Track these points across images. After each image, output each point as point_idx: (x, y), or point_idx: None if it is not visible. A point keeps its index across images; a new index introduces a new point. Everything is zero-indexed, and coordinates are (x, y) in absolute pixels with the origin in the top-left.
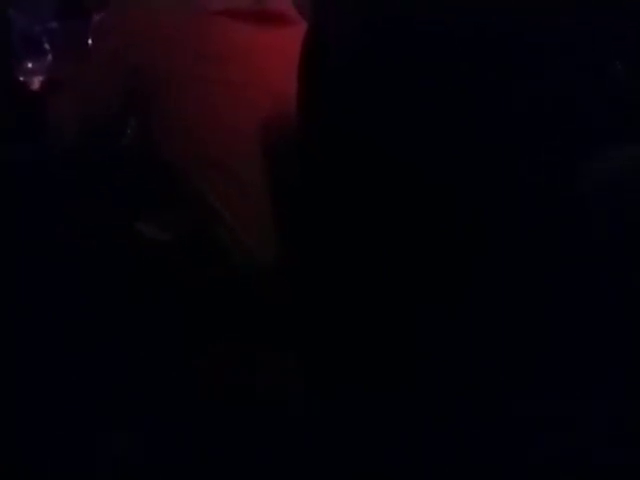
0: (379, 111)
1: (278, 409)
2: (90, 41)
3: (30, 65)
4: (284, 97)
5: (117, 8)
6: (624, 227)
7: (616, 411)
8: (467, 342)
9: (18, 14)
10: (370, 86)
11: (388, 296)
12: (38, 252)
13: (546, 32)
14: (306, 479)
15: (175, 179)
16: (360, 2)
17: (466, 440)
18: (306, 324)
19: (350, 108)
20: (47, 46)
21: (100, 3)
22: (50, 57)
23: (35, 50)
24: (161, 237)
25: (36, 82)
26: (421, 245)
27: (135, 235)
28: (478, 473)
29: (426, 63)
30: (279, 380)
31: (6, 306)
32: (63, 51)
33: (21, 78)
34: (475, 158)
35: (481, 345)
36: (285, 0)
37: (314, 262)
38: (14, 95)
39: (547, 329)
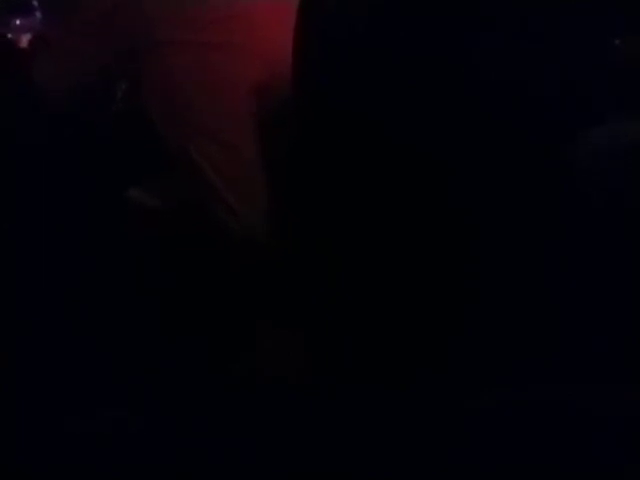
0: (374, 76)
1: (275, 389)
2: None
3: (18, 22)
4: (285, 61)
5: None
6: (620, 212)
7: (616, 411)
8: (468, 331)
9: None
10: (366, 51)
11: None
12: (28, 222)
13: (543, 16)
14: (309, 473)
15: (167, 147)
16: None
17: (466, 439)
18: (304, 298)
19: (345, 73)
20: (35, 3)
21: None
22: (39, 14)
23: (23, 7)
24: (153, 207)
25: (24, 40)
26: (417, 214)
27: (126, 205)
28: (478, 473)
29: (422, 34)
30: (279, 356)
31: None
32: (52, 9)
33: (8, 35)
34: (464, 125)
35: (481, 334)
36: None
37: (310, 236)
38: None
39: (546, 324)
